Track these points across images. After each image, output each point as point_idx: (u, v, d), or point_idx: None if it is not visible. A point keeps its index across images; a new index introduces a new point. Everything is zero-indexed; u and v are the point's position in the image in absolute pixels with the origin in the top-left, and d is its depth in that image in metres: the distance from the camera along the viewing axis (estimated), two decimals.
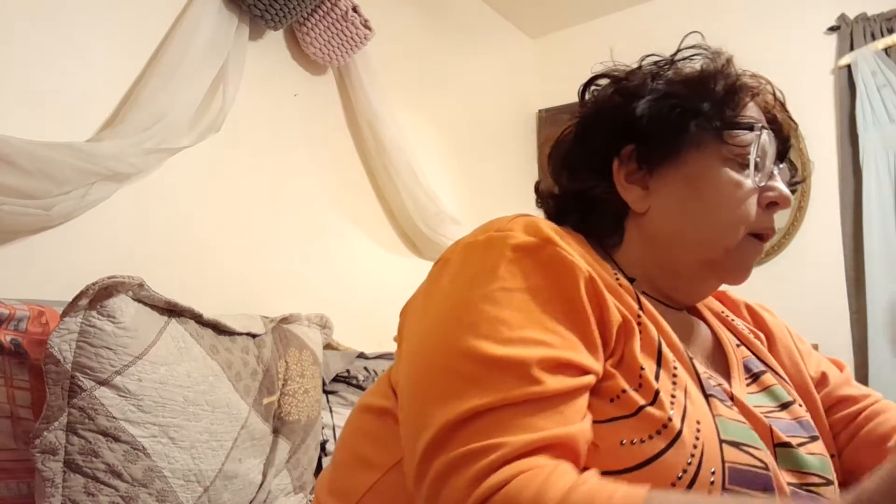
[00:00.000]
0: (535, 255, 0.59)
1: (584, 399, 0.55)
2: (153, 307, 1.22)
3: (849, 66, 2.45)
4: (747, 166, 0.69)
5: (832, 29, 2.53)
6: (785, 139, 0.75)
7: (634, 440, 0.55)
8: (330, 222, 2.13)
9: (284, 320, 1.59)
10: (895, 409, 0.75)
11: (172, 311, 1.25)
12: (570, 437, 0.52)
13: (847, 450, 0.74)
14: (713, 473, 0.55)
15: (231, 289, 1.76)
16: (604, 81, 0.76)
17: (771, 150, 0.70)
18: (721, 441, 0.57)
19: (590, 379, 0.56)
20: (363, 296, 2.15)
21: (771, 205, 0.70)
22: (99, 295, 1.11)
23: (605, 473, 0.54)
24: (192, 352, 1.24)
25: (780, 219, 2.54)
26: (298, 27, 1.99)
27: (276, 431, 1.41)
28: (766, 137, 0.70)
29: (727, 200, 0.68)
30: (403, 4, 2.48)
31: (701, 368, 0.65)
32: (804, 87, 2.55)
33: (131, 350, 1.12)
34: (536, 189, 0.81)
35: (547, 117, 3.11)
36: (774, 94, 0.75)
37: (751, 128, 0.69)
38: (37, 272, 1.39)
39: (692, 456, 0.54)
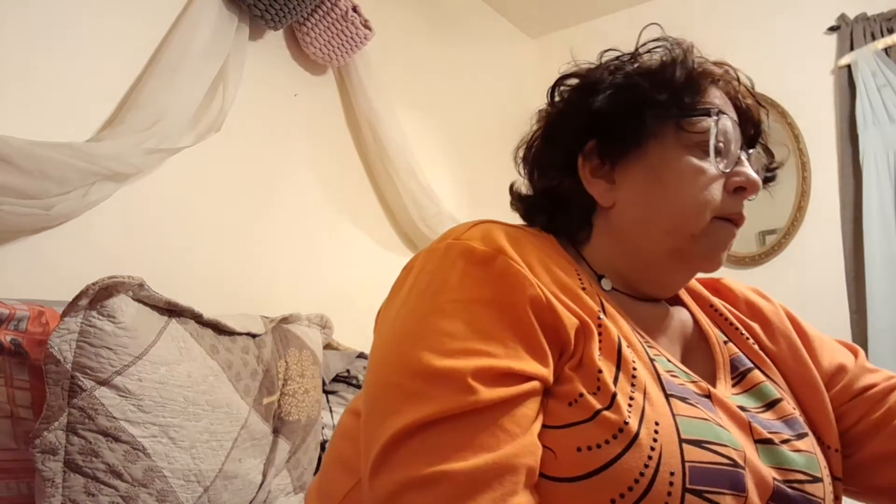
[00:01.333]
0: (486, 265, 0.60)
1: (527, 407, 0.55)
2: (153, 307, 1.22)
3: (849, 66, 2.45)
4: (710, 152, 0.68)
5: (832, 29, 2.53)
6: (755, 124, 0.74)
7: (591, 446, 0.55)
8: (330, 222, 2.13)
9: (284, 320, 1.59)
10: None
11: (172, 311, 1.25)
12: (512, 458, 0.52)
13: (872, 429, 0.72)
14: (672, 475, 0.54)
15: (231, 289, 1.76)
16: (572, 81, 0.77)
17: (736, 136, 0.70)
18: (682, 441, 0.56)
19: (533, 385, 0.56)
20: (363, 296, 2.14)
21: (738, 190, 0.69)
22: (99, 295, 1.11)
23: (562, 480, 0.55)
24: (192, 352, 1.24)
25: (781, 219, 2.54)
26: (298, 27, 1.99)
27: (276, 431, 1.41)
28: (727, 122, 0.69)
29: (689, 187, 0.67)
30: (403, 4, 2.48)
31: (665, 367, 0.64)
32: (804, 87, 2.55)
33: (131, 350, 1.12)
34: (510, 190, 0.81)
35: None
36: (739, 80, 0.74)
37: (707, 113, 0.68)
38: (37, 272, 1.39)
39: (649, 458, 0.54)
